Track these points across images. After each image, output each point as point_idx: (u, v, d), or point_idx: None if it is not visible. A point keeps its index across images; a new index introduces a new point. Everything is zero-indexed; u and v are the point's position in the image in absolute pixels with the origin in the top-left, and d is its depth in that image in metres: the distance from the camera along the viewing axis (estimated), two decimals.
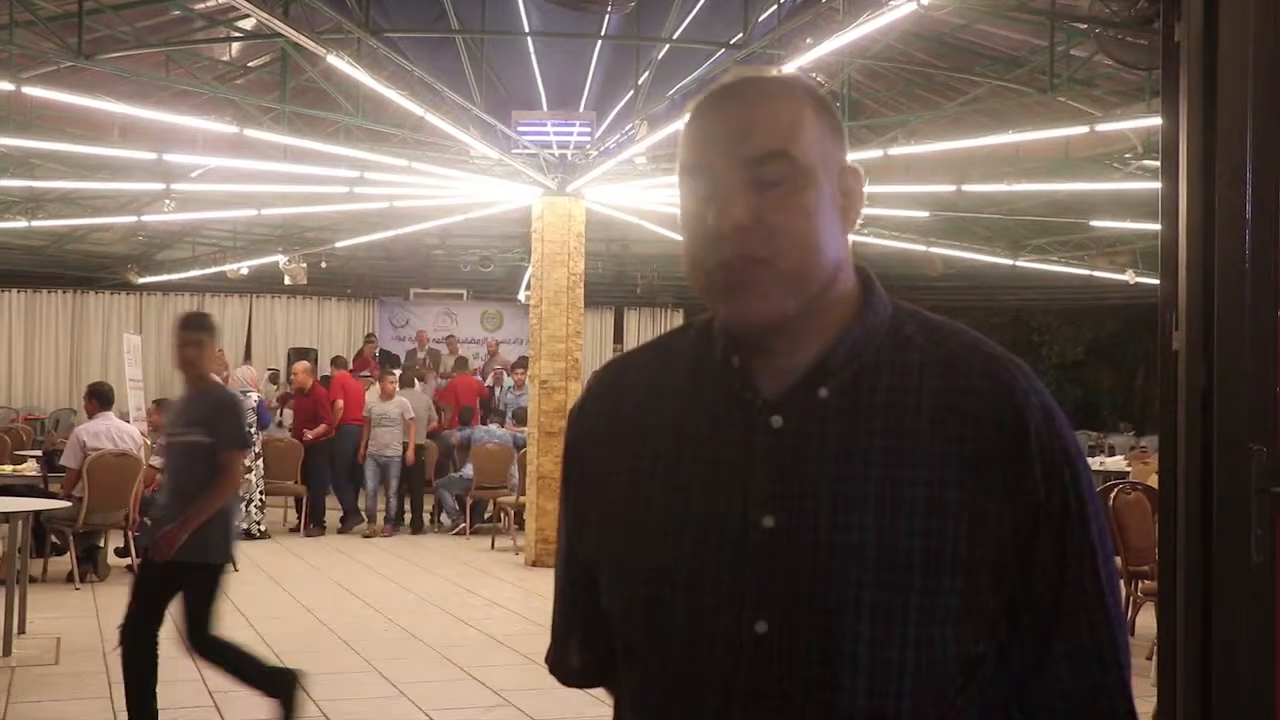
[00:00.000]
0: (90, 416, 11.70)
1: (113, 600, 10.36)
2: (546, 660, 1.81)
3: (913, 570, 1.43)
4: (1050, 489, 1.47)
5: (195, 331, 6.37)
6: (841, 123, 1.58)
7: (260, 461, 14.69)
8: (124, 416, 13.82)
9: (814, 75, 14.94)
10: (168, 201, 18.05)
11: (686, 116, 1.55)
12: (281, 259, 21.45)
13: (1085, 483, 1.51)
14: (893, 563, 1.42)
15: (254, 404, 14.81)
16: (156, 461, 11.65)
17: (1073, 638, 1.50)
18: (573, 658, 1.77)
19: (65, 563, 11.22)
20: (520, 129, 12.93)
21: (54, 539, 11.40)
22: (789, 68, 10.91)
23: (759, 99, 1.51)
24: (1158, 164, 2.52)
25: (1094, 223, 18.52)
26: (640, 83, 12.53)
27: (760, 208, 1.45)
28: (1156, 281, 2.58)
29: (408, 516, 16.16)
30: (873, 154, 13.50)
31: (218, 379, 7.32)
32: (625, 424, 1.61)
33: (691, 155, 1.52)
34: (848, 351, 1.50)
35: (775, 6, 11.64)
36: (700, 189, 1.50)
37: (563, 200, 13.44)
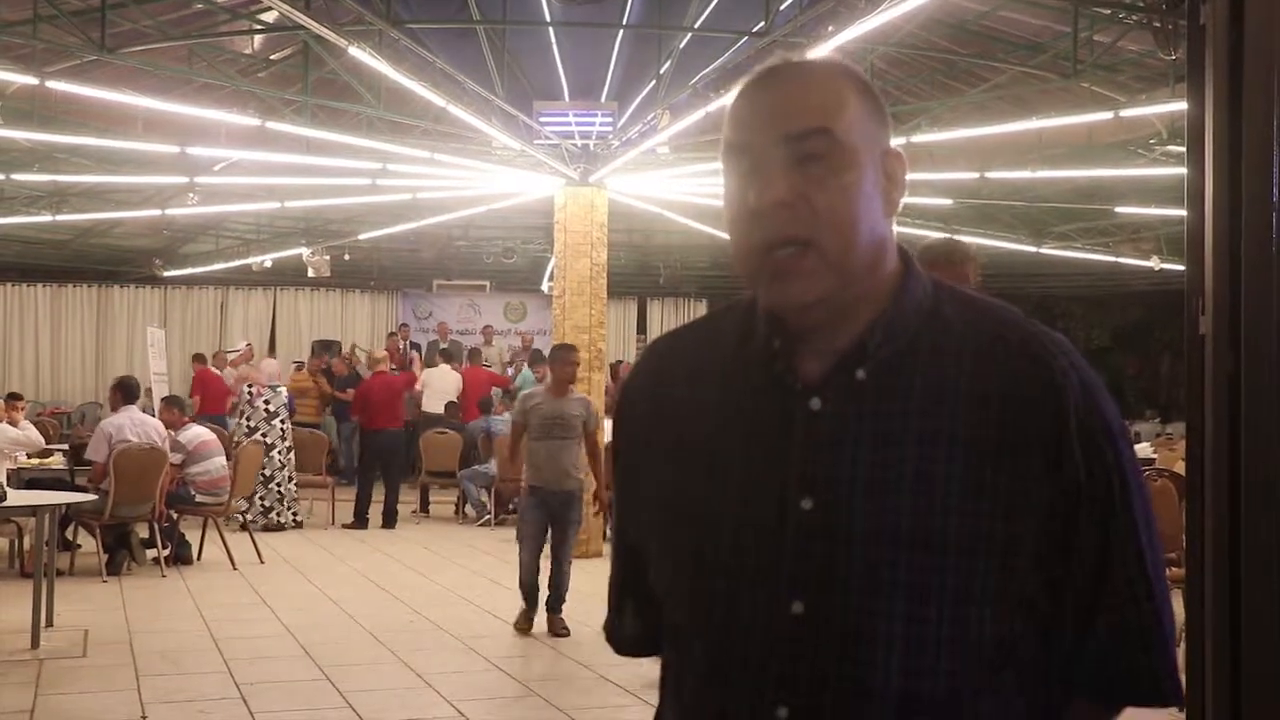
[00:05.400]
0: (114, 410, 11.76)
1: (139, 594, 10.42)
2: (604, 629, 1.84)
3: (948, 551, 1.43)
4: (1091, 468, 1.47)
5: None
6: (885, 107, 1.59)
7: (292, 455, 14.75)
8: (148, 410, 13.91)
9: None
10: (191, 195, 18.11)
11: (732, 97, 1.56)
12: (305, 251, 21.48)
13: (1127, 460, 1.50)
14: (929, 543, 1.43)
15: (285, 399, 14.90)
16: (175, 459, 11.68)
17: (1117, 616, 1.50)
18: (627, 627, 1.79)
19: (93, 555, 11.25)
20: (542, 119, 12.93)
21: (67, 536, 11.34)
22: (810, 56, 10.86)
23: (802, 79, 1.53)
24: (1182, 150, 2.51)
25: (1118, 209, 18.43)
26: (662, 72, 12.52)
27: (802, 186, 1.46)
28: (1182, 268, 2.58)
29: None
30: (896, 141, 13.41)
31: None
32: (669, 404, 1.62)
33: (735, 134, 1.53)
34: (885, 333, 1.50)
35: None
36: (742, 167, 1.51)
37: (585, 191, 13.43)
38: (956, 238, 4.77)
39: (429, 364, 19.93)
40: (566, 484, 9.08)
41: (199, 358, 19.45)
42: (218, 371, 18.66)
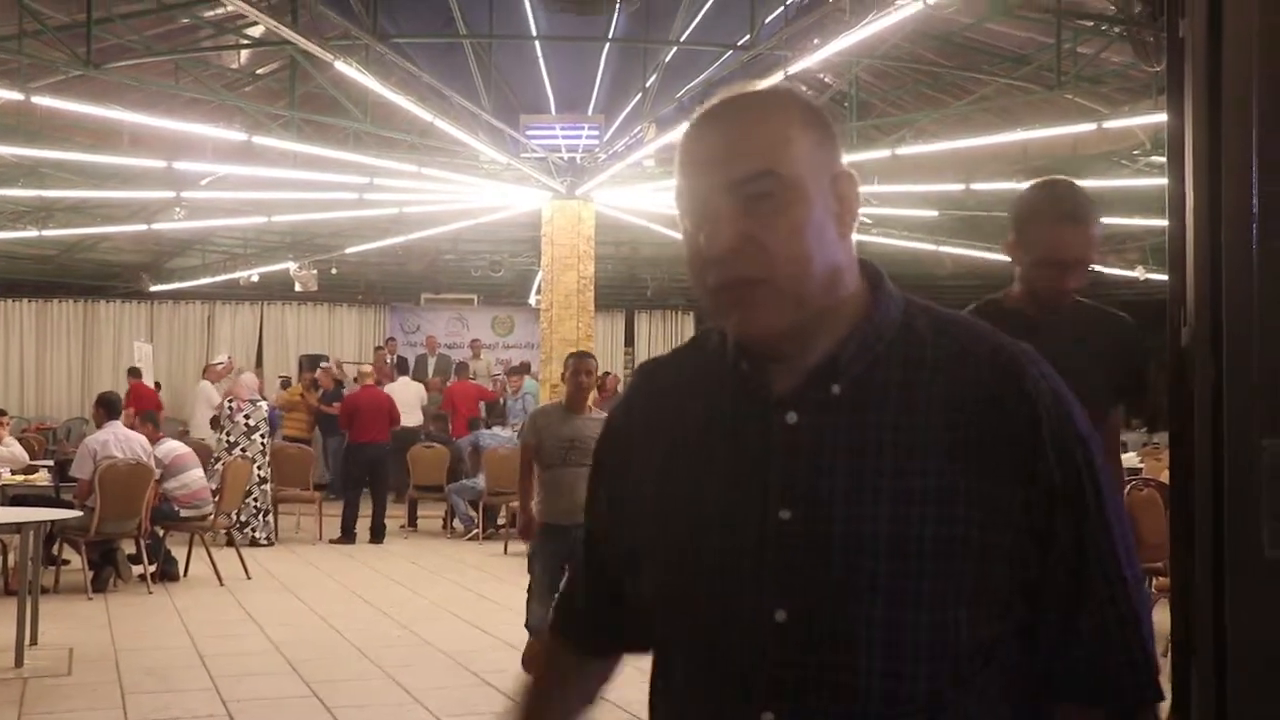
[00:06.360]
0: (99, 426, 11.73)
1: (125, 611, 10.38)
2: (551, 609, 1.93)
3: (924, 556, 1.46)
4: (1064, 473, 1.50)
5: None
6: (833, 128, 1.61)
7: (270, 469, 14.71)
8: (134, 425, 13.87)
9: (821, 75, 14.94)
10: (178, 209, 18.10)
11: (680, 141, 1.60)
12: (292, 265, 21.48)
13: (1098, 464, 1.54)
14: (905, 550, 1.46)
15: (266, 413, 14.85)
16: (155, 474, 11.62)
17: (1097, 619, 1.53)
18: (577, 600, 1.88)
19: (78, 572, 11.21)
20: (529, 133, 12.97)
21: (53, 553, 11.26)
22: (796, 69, 10.91)
23: (742, 119, 1.55)
24: (1165, 160, 2.53)
25: (1103, 220, 18.42)
26: (648, 85, 12.56)
27: (750, 228, 1.50)
28: (1167, 278, 2.58)
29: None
30: (881, 154, 13.50)
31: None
32: (655, 421, 1.68)
33: (683, 180, 1.57)
34: (858, 348, 1.54)
35: (782, 8, 11.66)
36: (692, 213, 1.55)
37: (572, 204, 13.47)
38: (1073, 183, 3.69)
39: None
40: (581, 517, 7.60)
41: (134, 372, 19.37)
42: (205, 384, 18.62)
